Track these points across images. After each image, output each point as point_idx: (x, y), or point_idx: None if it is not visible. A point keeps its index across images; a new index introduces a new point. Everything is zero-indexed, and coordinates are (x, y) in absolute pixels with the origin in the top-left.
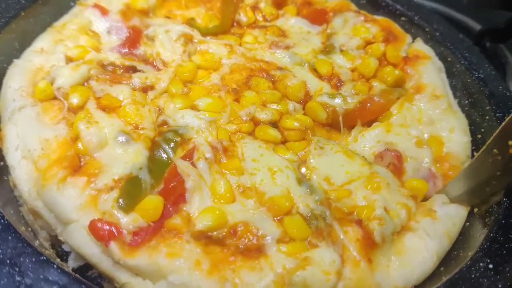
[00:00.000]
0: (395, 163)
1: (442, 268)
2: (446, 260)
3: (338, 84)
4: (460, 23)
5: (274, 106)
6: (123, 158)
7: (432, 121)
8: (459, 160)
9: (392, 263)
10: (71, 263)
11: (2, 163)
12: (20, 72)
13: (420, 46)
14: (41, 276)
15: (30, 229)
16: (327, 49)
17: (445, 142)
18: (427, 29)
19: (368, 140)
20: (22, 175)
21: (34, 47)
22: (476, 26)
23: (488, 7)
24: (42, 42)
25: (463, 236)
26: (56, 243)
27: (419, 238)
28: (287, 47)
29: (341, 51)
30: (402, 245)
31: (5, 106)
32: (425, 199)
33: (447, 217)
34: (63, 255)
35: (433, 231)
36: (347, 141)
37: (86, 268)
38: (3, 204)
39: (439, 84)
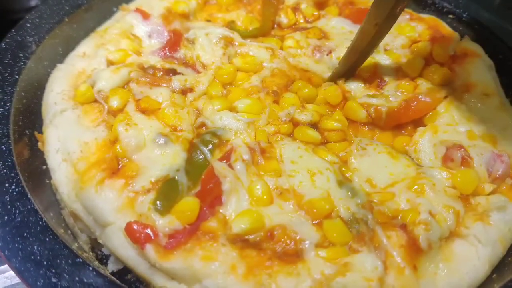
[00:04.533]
0: (464, 155)
1: (494, 276)
2: (499, 266)
3: (380, 84)
4: (491, 23)
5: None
6: (161, 160)
7: (483, 119)
8: None
9: (440, 270)
10: (111, 267)
11: (44, 166)
12: (62, 76)
13: (469, 44)
14: (77, 278)
15: (70, 232)
16: None
17: (499, 140)
18: (476, 26)
19: (425, 150)
20: (62, 178)
21: (76, 51)
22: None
23: None
24: (85, 46)
25: None
26: (96, 246)
27: (469, 244)
28: (330, 51)
29: (385, 50)
30: (451, 252)
31: (47, 110)
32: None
33: (502, 222)
34: (103, 259)
35: (486, 237)
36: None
37: (125, 271)
38: (45, 207)
39: (489, 82)
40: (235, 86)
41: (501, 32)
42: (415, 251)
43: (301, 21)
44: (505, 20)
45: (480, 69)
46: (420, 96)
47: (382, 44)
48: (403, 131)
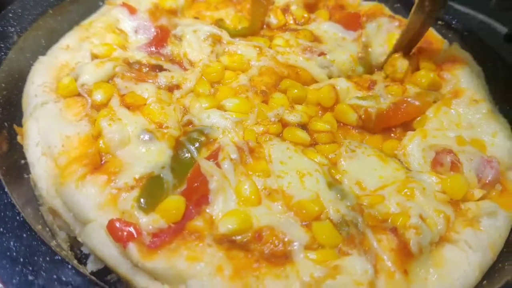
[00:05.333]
0: (454, 160)
1: (485, 282)
2: (490, 272)
3: (371, 85)
4: (486, 25)
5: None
6: (146, 157)
7: (472, 125)
8: (503, 165)
9: (430, 276)
10: (90, 266)
11: (23, 161)
12: (44, 68)
13: (457, 51)
14: (55, 276)
15: (48, 229)
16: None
17: (488, 146)
18: (465, 33)
19: (414, 154)
20: (41, 172)
21: (60, 44)
22: (503, 29)
23: None
24: (68, 39)
25: (507, 248)
26: (75, 244)
27: (460, 250)
28: (322, 53)
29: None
30: (441, 257)
31: (27, 102)
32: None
33: (492, 228)
34: (82, 258)
35: (476, 243)
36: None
37: (105, 272)
38: (23, 203)
39: (478, 88)
40: (222, 85)
41: (490, 39)
42: (406, 255)
43: (291, 22)
44: (499, 22)
45: (469, 76)
46: (409, 99)
47: (377, 61)
48: (392, 135)
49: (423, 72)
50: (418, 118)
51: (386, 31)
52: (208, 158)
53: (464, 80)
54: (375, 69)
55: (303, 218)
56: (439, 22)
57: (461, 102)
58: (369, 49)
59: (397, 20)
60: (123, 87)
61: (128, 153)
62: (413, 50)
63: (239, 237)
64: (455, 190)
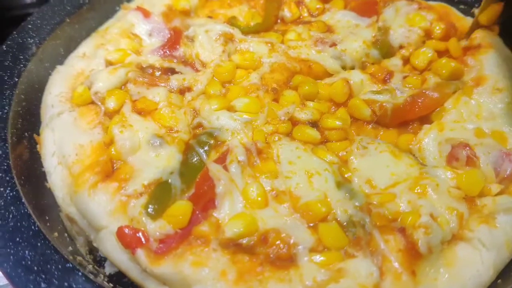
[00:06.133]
0: (469, 154)
1: (499, 281)
2: (505, 271)
3: (387, 78)
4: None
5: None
6: (155, 163)
7: (493, 116)
8: None
9: (440, 276)
10: (108, 269)
11: (43, 169)
12: (60, 78)
13: (483, 34)
14: (66, 284)
15: (66, 234)
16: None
17: (509, 138)
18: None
19: (429, 149)
20: (57, 181)
21: (76, 52)
22: None
23: None
24: (85, 47)
25: None
26: (93, 249)
27: (473, 248)
28: (334, 44)
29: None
30: (453, 256)
31: (45, 112)
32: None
33: (509, 225)
34: (101, 261)
35: (491, 240)
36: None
37: (123, 274)
38: (42, 210)
39: (503, 75)
40: (234, 84)
41: None
42: (414, 255)
43: (305, 15)
44: None
45: (494, 62)
46: (427, 92)
47: (398, 42)
48: (408, 129)
49: (444, 60)
50: (436, 110)
51: (404, 14)
52: (216, 161)
53: (488, 67)
54: (395, 51)
55: (310, 220)
56: (461, 6)
57: (483, 91)
58: (390, 31)
59: (416, 2)
60: (136, 93)
61: (139, 159)
62: None
63: (245, 241)
64: (471, 186)
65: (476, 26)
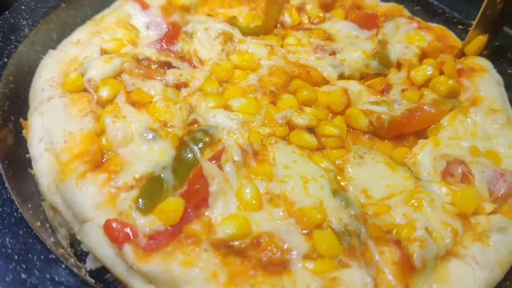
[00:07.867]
0: (465, 171)
1: None
2: None
3: (385, 89)
4: (506, 33)
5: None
6: (148, 156)
7: (488, 136)
8: None
9: None
10: (89, 264)
11: (28, 155)
12: (52, 62)
13: (477, 58)
14: (48, 276)
15: (48, 225)
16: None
17: (503, 158)
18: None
19: (424, 163)
20: (43, 168)
21: (70, 38)
22: None
23: None
24: (79, 33)
25: None
26: (75, 241)
27: (466, 265)
28: (334, 52)
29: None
30: (446, 272)
31: (34, 96)
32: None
33: (502, 244)
34: (82, 255)
35: (484, 259)
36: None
37: (104, 270)
38: (24, 198)
39: (497, 97)
40: (231, 84)
41: (510, 47)
42: (408, 269)
43: (305, 21)
44: None
45: (488, 84)
46: (425, 107)
47: (396, 57)
48: (404, 142)
49: (442, 78)
50: (432, 126)
51: (405, 32)
52: (211, 159)
53: (483, 88)
54: (393, 65)
55: (304, 226)
56: (460, 26)
57: (478, 110)
58: (388, 46)
59: (416, 21)
60: (130, 84)
61: (130, 152)
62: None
63: (237, 243)
64: (466, 203)
65: (461, 54)
